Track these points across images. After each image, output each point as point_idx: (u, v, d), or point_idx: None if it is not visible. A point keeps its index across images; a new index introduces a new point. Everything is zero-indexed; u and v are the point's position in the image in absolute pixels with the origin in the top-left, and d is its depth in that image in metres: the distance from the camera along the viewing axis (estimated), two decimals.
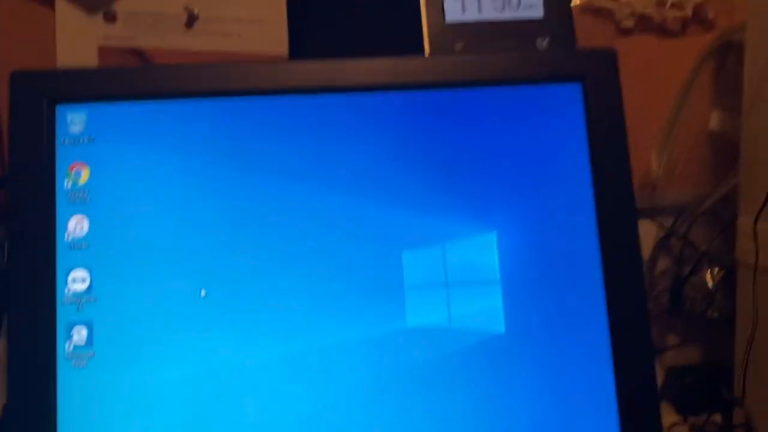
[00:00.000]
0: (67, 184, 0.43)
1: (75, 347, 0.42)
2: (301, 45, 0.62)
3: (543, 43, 0.55)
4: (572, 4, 0.59)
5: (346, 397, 0.43)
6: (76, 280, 0.42)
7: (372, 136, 0.46)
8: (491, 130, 0.47)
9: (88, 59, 0.62)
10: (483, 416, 0.43)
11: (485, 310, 0.44)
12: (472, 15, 0.57)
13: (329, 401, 0.43)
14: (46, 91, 0.44)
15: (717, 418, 0.65)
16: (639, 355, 0.45)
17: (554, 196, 0.46)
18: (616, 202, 0.46)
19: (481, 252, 0.45)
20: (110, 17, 0.62)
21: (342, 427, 0.43)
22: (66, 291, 0.42)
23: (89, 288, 0.42)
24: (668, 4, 0.68)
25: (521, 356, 0.44)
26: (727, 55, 0.69)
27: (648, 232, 0.69)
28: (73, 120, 0.44)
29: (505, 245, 0.45)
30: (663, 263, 0.70)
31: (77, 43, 0.62)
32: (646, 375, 0.44)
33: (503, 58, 0.48)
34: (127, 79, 0.45)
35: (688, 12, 0.69)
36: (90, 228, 0.43)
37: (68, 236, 0.43)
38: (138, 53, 0.63)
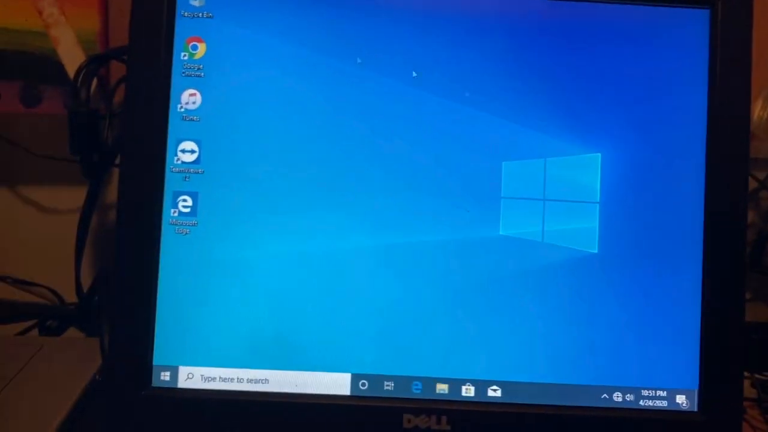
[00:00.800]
0: (184, 56, 0.44)
1: (180, 214, 0.44)
2: None
3: None
4: None
5: (431, 293, 0.44)
6: (185, 151, 0.44)
7: (484, 44, 0.45)
8: (608, 49, 0.45)
9: None
10: (563, 333, 0.44)
11: (580, 230, 0.44)
12: None
13: (415, 295, 0.44)
14: None
15: None
16: (730, 297, 0.44)
17: (665, 125, 0.45)
18: (728, 140, 0.45)
19: (583, 172, 0.44)
20: None
21: (424, 321, 0.44)
22: (175, 160, 0.44)
23: (197, 160, 0.44)
24: None
25: (611, 279, 0.44)
26: None
27: None
28: None
29: (608, 167, 0.44)
30: (750, 216, 0.69)
31: None
32: (734, 317, 0.44)
33: None
34: None
35: None
36: (202, 102, 0.44)
37: (181, 107, 0.44)
38: None
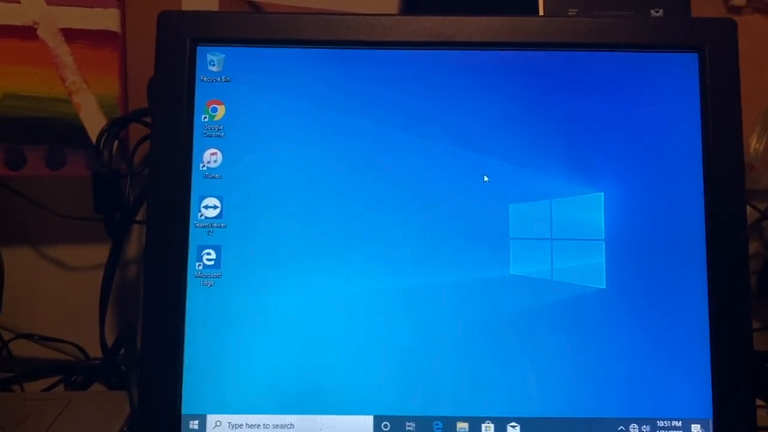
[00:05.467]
0: (204, 118, 0.47)
1: (204, 267, 0.46)
2: (412, 5, 0.64)
3: (657, 14, 0.56)
4: None
5: (448, 334, 0.46)
6: (208, 207, 0.46)
7: (486, 93, 0.48)
8: (606, 93, 0.48)
9: (210, 6, 0.66)
10: (577, 367, 0.45)
11: (588, 266, 0.46)
12: None
13: (432, 335, 0.46)
14: (189, 31, 0.47)
15: None
16: (736, 326, 0.45)
17: (663, 163, 0.47)
18: (724, 174, 0.47)
19: (587, 211, 0.46)
20: None
21: (442, 361, 0.45)
22: (199, 216, 0.46)
23: (220, 215, 0.46)
24: None
25: (620, 313, 0.46)
26: None
27: None
28: (212, 60, 0.47)
29: (611, 206, 0.46)
30: (754, 246, 0.70)
31: None
32: (742, 345, 0.45)
33: (619, 22, 0.48)
34: (264, 25, 0.48)
35: None
36: (223, 161, 0.47)
37: (203, 166, 0.46)
38: (255, 5, 0.66)
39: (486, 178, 0.46)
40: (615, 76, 0.48)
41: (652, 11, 0.56)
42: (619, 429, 0.45)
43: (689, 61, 0.48)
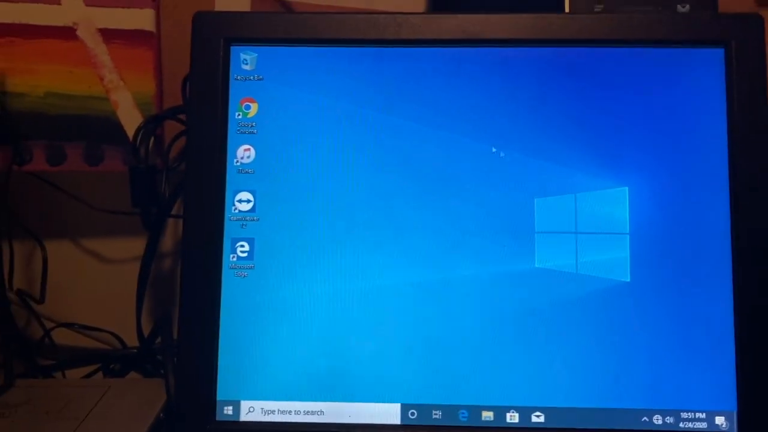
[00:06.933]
0: (238, 115, 0.49)
1: (238, 259, 0.47)
2: (439, 3, 0.65)
3: (684, 8, 0.56)
4: None
5: (474, 325, 0.47)
6: (242, 201, 0.48)
7: (512, 88, 0.49)
8: (628, 89, 0.48)
9: (242, 6, 0.67)
10: (601, 358, 0.46)
11: (612, 260, 0.47)
12: None
13: (459, 327, 0.47)
14: (223, 31, 0.49)
15: None
16: (762, 318, 0.46)
17: (688, 158, 0.48)
18: (751, 171, 0.47)
19: (612, 205, 0.47)
20: None
21: (468, 351, 0.47)
22: (233, 209, 0.48)
23: (253, 209, 0.48)
24: None
25: (644, 306, 0.46)
26: None
27: None
28: (246, 59, 0.49)
29: (635, 200, 0.47)
30: None
31: None
32: (766, 337, 0.46)
33: (645, 18, 0.49)
34: (295, 24, 0.49)
35: None
36: (256, 156, 0.48)
37: (237, 161, 0.48)
38: (285, 4, 0.68)
39: (511, 172, 0.48)
40: (640, 72, 0.49)
41: (678, 6, 0.57)
42: (642, 420, 0.46)
43: (715, 57, 0.48)
